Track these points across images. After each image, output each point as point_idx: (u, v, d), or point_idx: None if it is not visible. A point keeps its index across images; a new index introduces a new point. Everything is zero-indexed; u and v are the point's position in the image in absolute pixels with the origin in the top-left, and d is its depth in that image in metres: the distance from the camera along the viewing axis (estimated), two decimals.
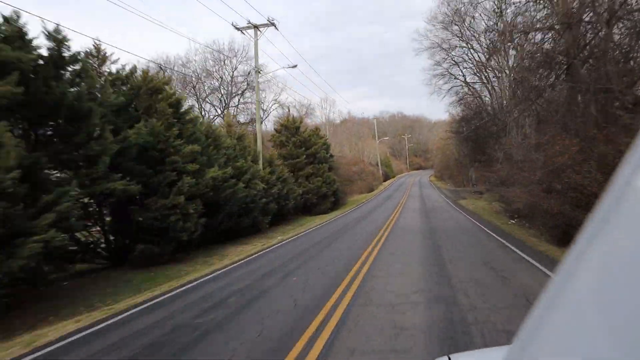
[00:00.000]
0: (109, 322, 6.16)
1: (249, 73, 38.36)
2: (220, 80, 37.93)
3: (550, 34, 14.30)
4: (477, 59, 33.03)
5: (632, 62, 11.23)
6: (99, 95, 10.03)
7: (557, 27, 13.37)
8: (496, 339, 4.24)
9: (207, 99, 38.91)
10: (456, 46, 33.45)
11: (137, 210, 11.16)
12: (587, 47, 11.83)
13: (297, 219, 24.84)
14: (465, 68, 35.73)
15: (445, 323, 4.81)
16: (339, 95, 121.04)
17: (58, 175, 9.30)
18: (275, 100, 45.34)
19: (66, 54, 8.83)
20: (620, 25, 11.14)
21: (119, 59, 32.36)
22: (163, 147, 11.80)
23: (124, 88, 12.26)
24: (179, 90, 36.31)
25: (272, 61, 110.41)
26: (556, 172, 10.41)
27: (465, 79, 36.38)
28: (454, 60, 35.43)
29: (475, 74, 34.58)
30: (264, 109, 42.60)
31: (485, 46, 29.70)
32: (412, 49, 77.17)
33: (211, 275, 9.32)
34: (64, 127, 8.87)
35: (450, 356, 1.50)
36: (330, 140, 70.01)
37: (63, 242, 7.66)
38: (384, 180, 71.95)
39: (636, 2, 10.41)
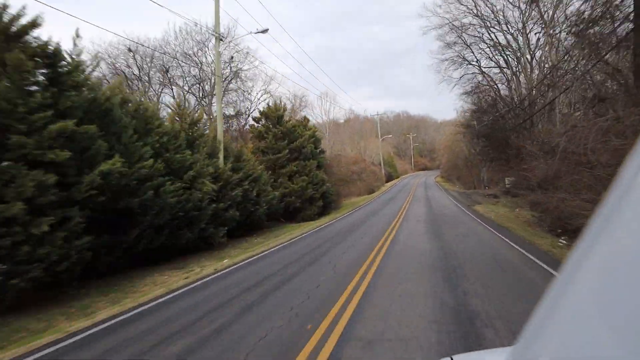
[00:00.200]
0: None
1: (231, 58, 33.71)
2: (199, 65, 33.27)
3: None
4: (495, 39, 28.13)
5: None
6: None
7: None
8: None
9: (191, 90, 34.31)
10: (470, 25, 28.59)
11: None
12: None
13: (274, 228, 20.13)
14: (481, 52, 30.83)
15: None
16: (346, 94, 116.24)
17: None
18: (265, 90, 40.63)
19: None
20: None
21: None
22: (6, 122, 7.14)
23: None
24: (158, 78, 31.87)
25: (277, 61, 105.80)
26: None
27: (479, 65, 31.46)
28: (466, 44, 30.53)
29: (492, 57, 29.69)
30: (251, 100, 37.91)
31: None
32: (419, 27, 71.55)
33: None
34: None
35: (453, 357, 1.48)
36: (331, 138, 65.46)
37: None
38: (387, 181, 67.12)
39: None
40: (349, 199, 39.18)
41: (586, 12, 10.65)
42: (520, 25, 25.30)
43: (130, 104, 11.56)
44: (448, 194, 34.70)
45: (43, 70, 8.32)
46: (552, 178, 12.64)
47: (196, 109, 28.55)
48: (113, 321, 6.04)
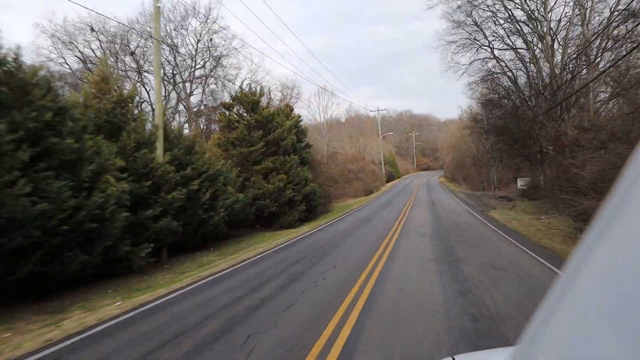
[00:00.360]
0: None
1: (210, 40, 29.67)
2: (175, 48, 29.16)
3: None
4: (511, 15, 23.95)
5: None
6: None
7: None
8: None
9: (171, 79, 30.23)
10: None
11: None
12: None
13: (243, 238, 16.12)
14: (494, 35, 26.65)
15: None
16: (347, 89, 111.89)
17: None
18: (252, 80, 36.58)
19: None
20: None
21: None
22: None
23: None
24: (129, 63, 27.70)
25: (269, 49, 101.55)
26: None
27: (492, 48, 27.29)
28: (477, 24, 26.36)
29: (507, 38, 25.50)
30: (235, 86, 33.74)
31: None
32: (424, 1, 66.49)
33: None
34: None
35: (455, 357, 1.47)
36: (328, 136, 61.38)
37: None
38: (388, 181, 63.02)
39: None
40: (343, 200, 35.11)
41: None
42: None
43: None
44: (455, 197, 30.55)
45: None
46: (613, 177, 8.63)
47: (134, 87, 24.36)
48: None
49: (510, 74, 27.87)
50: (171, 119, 28.47)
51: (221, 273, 9.27)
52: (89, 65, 25.66)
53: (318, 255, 10.29)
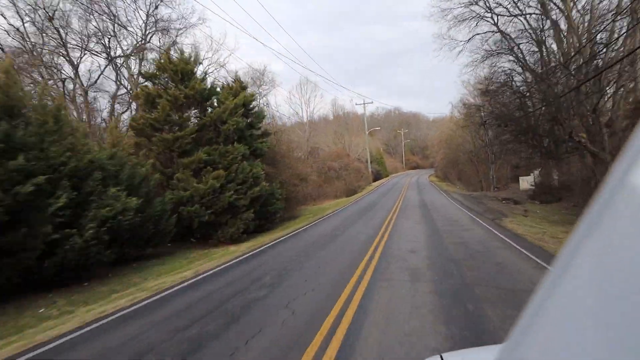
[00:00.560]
0: None
1: (155, 8, 24.15)
2: (113, 18, 23.52)
3: None
4: None
5: None
6: None
7: None
8: None
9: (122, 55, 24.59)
10: None
11: None
12: None
13: (143, 266, 10.89)
14: (497, 3, 21.73)
15: None
16: (349, 90, 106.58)
17: None
18: (220, 64, 31.20)
19: None
20: None
21: None
22: None
23: None
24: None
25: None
26: None
27: (496, 22, 22.41)
28: None
29: (515, 3, 20.56)
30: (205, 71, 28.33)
31: None
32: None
33: None
34: None
35: (442, 355, 1.46)
36: (311, 131, 56.15)
37: None
38: (375, 180, 58.13)
39: None
40: (319, 202, 29.99)
41: None
42: None
43: None
44: (451, 198, 25.59)
45: None
46: None
47: None
48: None
49: (518, 50, 23.05)
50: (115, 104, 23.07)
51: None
52: None
53: (227, 323, 5.10)
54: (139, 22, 24.06)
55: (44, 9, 21.00)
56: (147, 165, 12.03)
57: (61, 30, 21.71)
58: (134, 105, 20.41)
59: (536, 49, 22.86)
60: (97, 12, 22.33)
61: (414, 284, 6.25)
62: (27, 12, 20.74)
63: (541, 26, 20.61)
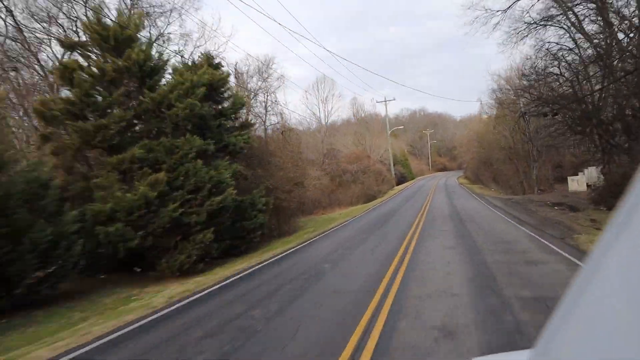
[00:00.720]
0: None
1: None
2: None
3: None
4: None
5: None
6: None
7: None
8: None
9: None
10: None
11: None
12: None
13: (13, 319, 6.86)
14: None
15: None
16: (369, 86, 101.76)
17: None
18: (214, 54, 27.35)
19: None
20: None
21: None
22: None
23: None
24: None
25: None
26: None
27: None
28: None
29: None
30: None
31: None
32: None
33: None
34: None
35: (473, 359, 1.45)
36: (329, 133, 51.97)
37: None
38: (399, 183, 53.23)
39: None
40: (330, 210, 25.63)
41: None
42: None
43: None
44: (489, 204, 20.68)
45: None
46: None
47: None
48: None
49: (572, 15, 18.19)
50: None
51: None
52: None
53: None
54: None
55: None
56: (45, 167, 8.10)
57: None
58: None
59: (596, 17, 17.91)
60: None
61: None
62: None
63: None
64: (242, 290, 7.23)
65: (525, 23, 19.80)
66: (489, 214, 16.49)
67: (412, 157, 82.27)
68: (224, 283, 8.07)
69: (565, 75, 21.48)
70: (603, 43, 17.64)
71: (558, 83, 22.39)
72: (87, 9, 13.95)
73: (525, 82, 26.38)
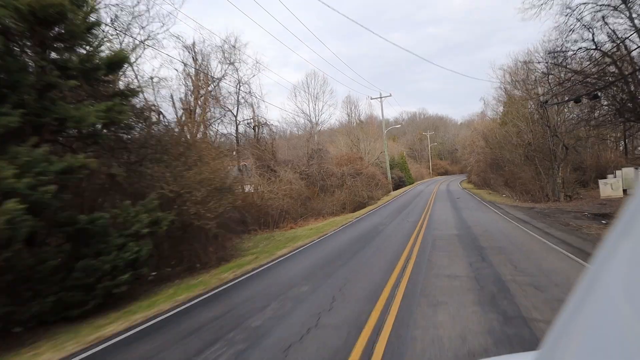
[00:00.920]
0: None
1: None
2: None
3: None
4: None
5: None
6: None
7: None
8: None
9: None
10: None
11: None
12: None
13: None
14: None
15: None
16: (364, 79, 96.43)
17: None
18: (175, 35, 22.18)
19: None
20: None
21: None
22: None
23: None
24: None
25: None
26: None
27: None
28: None
29: None
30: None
31: None
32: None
33: None
34: None
35: None
36: (321, 132, 46.77)
37: None
38: (396, 188, 47.88)
39: None
40: (305, 223, 20.21)
41: None
42: None
43: None
44: (510, 217, 15.24)
45: None
46: None
47: None
48: None
49: None
50: None
51: None
52: None
53: None
54: None
55: None
56: None
57: None
58: None
59: None
60: None
61: None
62: None
63: None
64: None
65: None
66: (515, 232, 11.10)
67: (412, 161, 76.75)
68: None
69: (603, 48, 16.30)
70: None
71: (588, 62, 17.25)
72: None
73: (543, 68, 21.22)
